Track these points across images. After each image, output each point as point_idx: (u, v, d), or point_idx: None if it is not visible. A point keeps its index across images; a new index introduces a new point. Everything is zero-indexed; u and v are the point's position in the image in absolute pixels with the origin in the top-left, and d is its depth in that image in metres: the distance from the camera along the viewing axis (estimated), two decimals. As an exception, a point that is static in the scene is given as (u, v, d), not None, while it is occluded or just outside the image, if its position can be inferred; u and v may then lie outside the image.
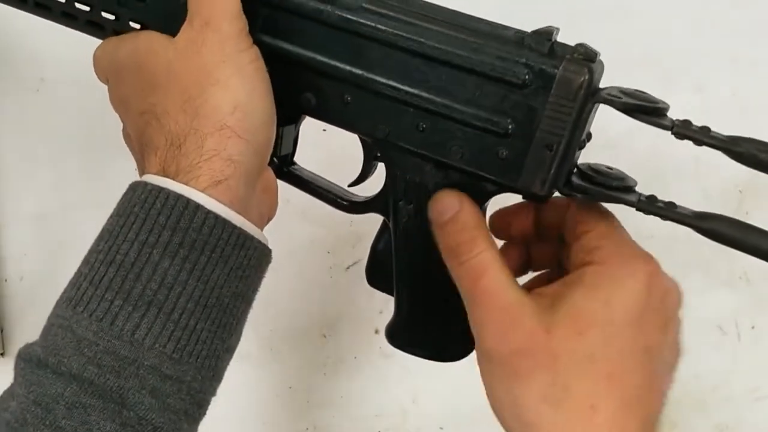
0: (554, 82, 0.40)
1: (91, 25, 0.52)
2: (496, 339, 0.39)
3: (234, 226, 0.42)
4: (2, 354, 0.77)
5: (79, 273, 0.41)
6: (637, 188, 0.45)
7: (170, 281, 0.39)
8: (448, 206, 0.43)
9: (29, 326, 0.78)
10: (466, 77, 0.42)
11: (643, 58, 0.80)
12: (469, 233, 0.42)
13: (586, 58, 0.42)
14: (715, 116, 0.82)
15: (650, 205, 0.42)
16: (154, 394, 0.39)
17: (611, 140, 0.77)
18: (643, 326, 0.38)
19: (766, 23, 0.80)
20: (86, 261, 0.42)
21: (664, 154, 0.77)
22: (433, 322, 0.48)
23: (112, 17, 0.50)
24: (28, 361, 0.40)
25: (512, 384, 0.39)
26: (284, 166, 0.52)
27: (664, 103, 0.45)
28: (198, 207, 0.41)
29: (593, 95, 0.42)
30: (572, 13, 0.84)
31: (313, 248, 0.79)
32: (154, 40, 0.46)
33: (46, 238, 0.80)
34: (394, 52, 0.43)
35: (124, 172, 0.82)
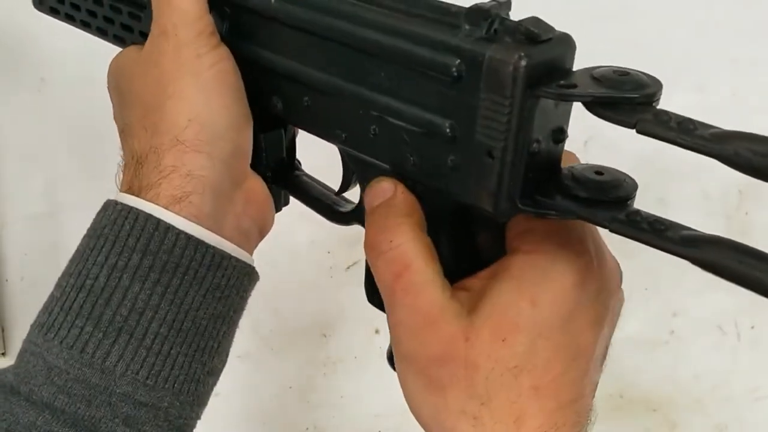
0: (482, 73, 0.32)
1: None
2: (413, 344, 0.35)
3: (208, 246, 0.40)
4: (3, 354, 0.77)
5: (51, 297, 0.40)
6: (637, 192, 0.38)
7: (141, 306, 0.38)
8: (380, 191, 0.38)
9: (29, 326, 0.78)
10: (403, 72, 0.35)
11: (644, 58, 0.80)
12: (395, 219, 0.36)
13: (528, 38, 0.33)
14: (715, 116, 0.82)
15: (626, 227, 0.34)
16: (128, 422, 0.38)
17: (611, 140, 0.77)
18: (573, 328, 0.33)
19: (766, 24, 0.80)
20: (58, 284, 0.41)
21: (665, 154, 0.77)
22: None
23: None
24: (1, 387, 0.39)
25: (430, 394, 0.34)
26: (279, 174, 0.48)
27: (647, 88, 0.35)
28: (168, 228, 0.39)
29: (534, 87, 0.32)
30: (573, 14, 0.84)
31: (313, 248, 0.79)
32: (126, 54, 0.45)
33: (46, 238, 0.80)
34: (334, 47, 0.38)
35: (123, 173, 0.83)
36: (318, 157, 0.49)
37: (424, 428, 0.35)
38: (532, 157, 0.34)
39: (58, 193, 0.80)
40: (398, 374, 0.36)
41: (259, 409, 0.82)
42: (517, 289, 0.33)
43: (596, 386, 0.35)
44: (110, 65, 0.46)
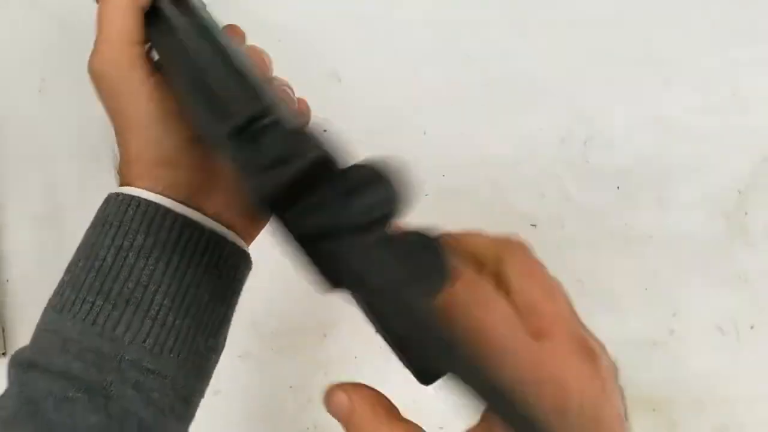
0: None
1: None
2: None
3: (204, 228, 0.44)
4: (3, 354, 0.77)
5: (61, 282, 0.44)
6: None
7: (145, 280, 0.41)
8: (338, 406, 0.39)
9: (30, 326, 0.77)
10: None
11: (644, 58, 0.80)
12: None
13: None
14: (715, 116, 0.82)
15: None
16: (137, 387, 0.40)
17: (612, 140, 0.77)
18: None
19: (766, 24, 0.80)
20: (67, 271, 0.44)
21: (664, 153, 0.77)
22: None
23: None
24: (19, 365, 0.42)
25: None
26: None
27: None
28: (168, 211, 0.43)
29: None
30: (573, 14, 0.84)
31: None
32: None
33: (46, 238, 0.80)
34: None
35: (124, 172, 0.82)
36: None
37: None
38: None
39: (58, 193, 0.80)
40: None
41: (259, 409, 0.82)
42: None
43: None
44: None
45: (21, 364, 0.42)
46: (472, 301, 0.34)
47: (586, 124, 0.78)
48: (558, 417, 0.33)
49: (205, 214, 0.45)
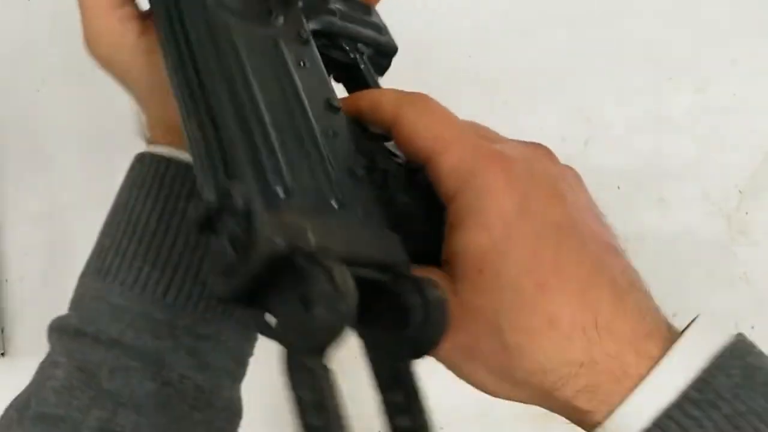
0: None
1: None
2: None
3: None
4: (2, 354, 0.77)
5: (101, 245, 0.42)
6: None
7: (193, 244, 0.40)
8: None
9: (29, 326, 0.78)
10: None
11: (645, 59, 0.80)
12: None
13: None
14: (715, 117, 0.82)
15: None
16: (191, 352, 0.40)
17: (611, 140, 0.77)
18: (533, 217, 0.31)
19: (766, 24, 0.80)
20: (106, 234, 0.42)
21: (665, 153, 0.77)
22: None
23: None
24: (64, 331, 0.41)
25: (459, 361, 0.33)
26: None
27: None
28: None
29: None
30: (573, 14, 0.84)
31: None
32: None
33: (46, 238, 0.80)
34: None
35: (123, 172, 0.82)
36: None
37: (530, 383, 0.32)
38: None
39: (58, 193, 0.80)
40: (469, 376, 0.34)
41: (259, 409, 0.82)
42: (464, 229, 0.32)
43: (619, 246, 0.33)
44: None
45: (66, 332, 0.41)
46: (411, 104, 0.35)
47: (586, 124, 0.78)
48: (503, 185, 0.31)
49: None
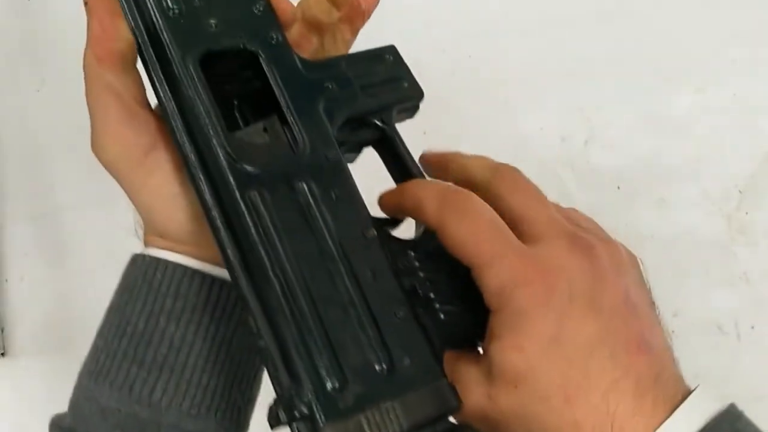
0: None
1: None
2: (464, 409, 0.37)
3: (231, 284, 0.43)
4: (3, 354, 0.77)
5: (95, 346, 0.44)
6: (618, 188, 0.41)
7: (178, 344, 0.42)
8: None
9: (29, 326, 0.78)
10: None
11: (645, 60, 0.80)
12: None
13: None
14: (715, 117, 0.82)
15: None
16: None
17: (611, 140, 0.78)
18: (566, 343, 0.35)
19: (766, 25, 0.80)
20: (100, 334, 0.44)
21: (665, 153, 0.77)
22: None
23: None
24: (61, 430, 0.43)
25: None
26: None
27: None
28: (195, 272, 0.43)
29: None
30: (573, 15, 0.84)
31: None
32: None
33: (46, 238, 0.80)
34: None
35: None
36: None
37: None
38: None
39: (58, 193, 0.80)
40: None
41: (259, 409, 0.82)
42: (503, 347, 0.35)
43: (656, 360, 0.36)
44: None
45: (62, 430, 0.43)
46: (455, 211, 0.36)
47: (586, 124, 0.78)
48: (541, 309, 0.34)
49: None
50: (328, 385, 0.33)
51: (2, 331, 0.78)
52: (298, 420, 0.33)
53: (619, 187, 0.74)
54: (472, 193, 0.37)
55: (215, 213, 0.37)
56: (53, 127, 0.81)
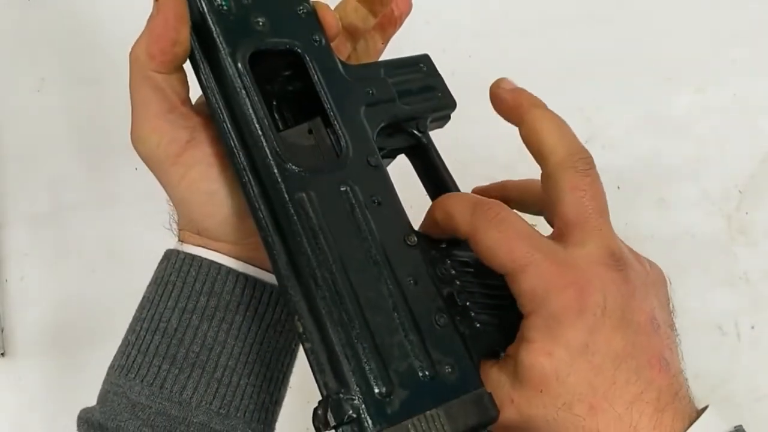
0: None
1: None
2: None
3: (266, 284, 0.43)
4: (2, 354, 0.77)
5: (126, 341, 0.44)
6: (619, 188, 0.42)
7: (210, 343, 0.42)
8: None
9: (29, 326, 0.78)
10: None
11: (645, 60, 0.80)
12: None
13: None
14: (715, 117, 0.82)
15: None
16: None
17: (611, 140, 0.78)
18: (595, 353, 0.35)
19: (766, 25, 0.80)
20: (132, 329, 0.44)
21: (665, 153, 0.77)
22: None
23: None
24: (89, 424, 0.43)
25: None
26: None
27: None
28: (230, 271, 0.43)
29: None
30: (573, 15, 0.84)
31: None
32: None
33: (46, 238, 0.80)
34: None
35: (123, 173, 0.83)
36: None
37: None
38: None
39: (58, 193, 0.80)
40: None
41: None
42: (533, 350, 0.36)
43: (675, 377, 0.37)
44: None
45: (91, 425, 0.43)
46: (486, 220, 0.37)
47: (586, 124, 0.78)
48: (574, 317, 0.35)
49: (266, 269, 0.44)
50: (376, 390, 0.33)
51: (2, 331, 0.78)
52: (345, 423, 0.33)
53: (619, 187, 0.74)
54: (503, 204, 0.38)
55: (262, 213, 0.37)
56: (53, 127, 0.81)
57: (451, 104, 0.47)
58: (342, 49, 0.47)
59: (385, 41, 0.50)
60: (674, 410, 0.35)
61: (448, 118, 0.47)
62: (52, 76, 0.81)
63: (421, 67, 0.47)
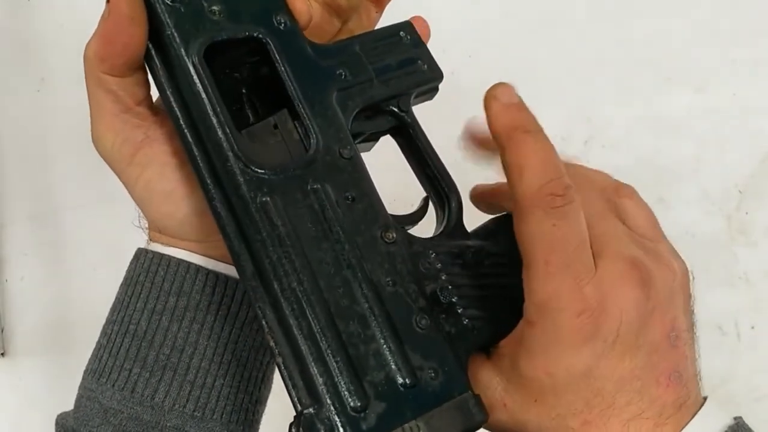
0: None
1: None
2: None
3: (237, 282, 0.42)
4: (2, 354, 0.77)
5: (99, 345, 0.43)
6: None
7: (180, 344, 0.40)
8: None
9: (29, 326, 0.78)
10: None
11: (645, 60, 0.80)
12: None
13: None
14: (715, 117, 0.82)
15: None
16: None
17: (611, 140, 0.78)
18: (598, 377, 0.34)
19: (765, 25, 0.80)
20: (104, 332, 0.43)
21: (665, 153, 0.77)
22: None
23: None
24: (65, 429, 0.42)
25: None
26: None
27: None
28: (199, 269, 0.41)
29: None
30: (573, 15, 0.84)
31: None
32: None
33: (46, 238, 0.80)
34: None
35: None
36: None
37: None
38: None
39: (58, 193, 0.80)
40: None
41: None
42: (532, 365, 0.34)
43: (682, 392, 0.35)
44: None
45: (66, 430, 0.42)
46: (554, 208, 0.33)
47: (586, 124, 0.78)
48: (581, 342, 0.33)
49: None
50: (350, 405, 0.32)
51: (2, 331, 0.78)
52: None
53: (619, 187, 0.74)
54: (577, 198, 0.34)
55: (226, 220, 0.35)
56: (53, 127, 0.81)
57: (438, 76, 0.43)
58: (329, 27, 0.43)
59: (381, 9, 0.46)
60: (676, 421, 0.34)
61: (435, 90, 0.44)
62: (52, 76, 0.81)
63: (402, 36, 0.42)
